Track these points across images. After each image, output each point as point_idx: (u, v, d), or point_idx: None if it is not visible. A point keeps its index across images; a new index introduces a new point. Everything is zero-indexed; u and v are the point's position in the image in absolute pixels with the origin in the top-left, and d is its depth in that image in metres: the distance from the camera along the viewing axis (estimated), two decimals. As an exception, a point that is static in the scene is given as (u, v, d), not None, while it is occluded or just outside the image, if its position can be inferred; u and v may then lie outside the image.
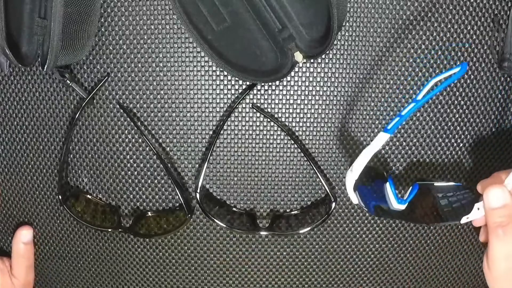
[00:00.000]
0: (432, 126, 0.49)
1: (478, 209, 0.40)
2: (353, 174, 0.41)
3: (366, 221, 0.52)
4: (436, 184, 0.43)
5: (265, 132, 0.49)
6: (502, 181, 0.38)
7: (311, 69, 0.47)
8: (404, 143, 0.49)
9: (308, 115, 0.48)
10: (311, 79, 0.47)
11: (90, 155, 0.50)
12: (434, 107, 0.48)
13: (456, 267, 0.55)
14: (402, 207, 0.40)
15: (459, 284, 0.56)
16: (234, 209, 0.51)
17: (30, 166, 0.50)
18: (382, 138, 0.38)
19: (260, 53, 0.43)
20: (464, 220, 0.40)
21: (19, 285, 0.50)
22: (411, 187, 0.41)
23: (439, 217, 0.41)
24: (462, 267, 0.55)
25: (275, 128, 0.48)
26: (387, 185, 0.40)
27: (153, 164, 0.50)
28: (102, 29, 0.45)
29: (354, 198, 0.42)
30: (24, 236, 0.51)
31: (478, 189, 0.41)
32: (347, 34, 0.46)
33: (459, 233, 0.53)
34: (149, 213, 0.51)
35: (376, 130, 0.48)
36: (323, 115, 0.48)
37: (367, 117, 0.48)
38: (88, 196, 0.51)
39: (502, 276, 0.37)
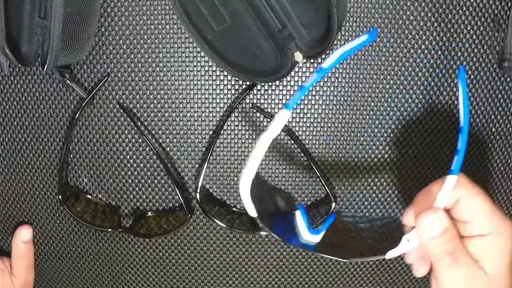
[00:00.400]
0: (432, 126, 0.49)
1: (408, 240, 0.34)
2: (248, 168, 0.32)
3: (366, 221, 0.52)
4: (356, 214, 0.38)
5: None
6: (431, 200, 0.33)
7: (311, 69, 0.47)
8: (404, 143, 0.49)
9: (308, 115, 0.48)
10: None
11: (90, 155, 0.50)
12: (434, 107, 0.48)
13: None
14: (316, 238, 0.34)
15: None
16: (234, 209, 0.51)
17: (30, 166, 0.50)
18: (283, 116, 0.32)
19: (260, 53, 0.43)
20: (390, 254, 0.34)
21: (19, 284, 0.50)
22: (326, 217, 0.36)
23: (359, 252, 0.36)
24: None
25: (275, 128, 0.48)
26: (298, 213, 0.35)
27: (153, 164, 0.50)
28: (102, 29, 0.45)
29: (250, 205, 0.33)
30: (23, 235, 0.51)
31: (405, 220, 0.36)
32: (347, 34, 0.46)
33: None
34: (149, 213, 0.51)
35: (376, 130, 0.48)
36: (323, 115, 0.48)
37: (367, 117, 0.48)
38: (88, 196, 0.51)
39: None
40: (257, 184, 0.33)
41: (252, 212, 0.33)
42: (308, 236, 0.34)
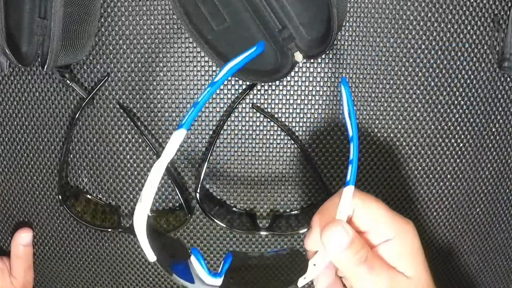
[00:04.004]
0: (432, 126, 0.49)
1: (314, 265, 0.34)
2: (143, 202, 0.30)
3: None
4: (252, 254, 0.37)
5: (265, 132, 0.49)
6: (330, 217, 0.32)
7: (311, 69, 0.47)
8: (404, 143, 0.49)
9: (308, 115, 0.48)
10: (311, 79, 0.47)
11: (90, 155, 0.50)
12: (434, 107, 0.48)
13: (456, 266, 0.55)
14: (218, 281, 0.33)
15: (458, 284, 0.56)
16: (234, 209, 0.51)
17: (30, 166, 0.50)
18: (178, 136, 0.31)
19: (260, 53, 0.43)
20: (301, 282, 0.34)
21: (19, 285, 0.50)
22: (223, 260, 0.35)
23: (271, 286, 0.35)
24: (462, 267, 0.55)
25: (275, 128, 0.48)
26: (192, 259, 0.33)
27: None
28: (102, 29, 0.45)
29: (147, 247, 0.32)
30: (23, 238, 0.51)
31: (307, 245, 0.35)
32: (347, 34, 0.46)
33: (459, 233, 0.53)
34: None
35: (376, 130, 0.48)
36: (323, 115, 0.48)
37: (367, 117, 0.48)
38: (88, 196, 0.51)
39: None
40: (150, 229, 0.31)
41: (151, 255, 0.31)
42: (210, 280, 0.33)
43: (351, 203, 0.33)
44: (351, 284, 0.33)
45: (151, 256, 0.32)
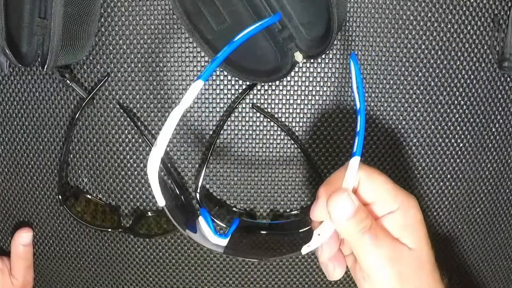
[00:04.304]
0: (432, 126, 0.49)
1: (319, 234, 0.34)
2: (158, 146, 0.32)
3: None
4: (258, 222, 0.37)
5: (265, 132, 0.49)
6: (336, 188, 0.33)
7: (311, 69, 0.47)
8: (404, 143, 0.49)
9: (308, 115, 0.48)
10: (311, 79, 0.47)
11: (90, 155, 0.50)
12: (434, 107, 0.48)
13: (456, 266, 0.55)
14: (223, 242, 0.35)
15: (459, 284, 0.56)
16: (234, 209, 0.51)
17: (30, 166, 0.50)
18: (195, 87, 0.33)
19: (260, 53, 0.43)
20: (305, 249, 0.35)
21: (19, 285, 0.50)
22: (230, 224, 0.36)
23: (274, 251, 0.36)
24: (462, 267, 0.55)
25: (275, 128, 0.48)
26: (200, 220, 0.35)
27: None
28: (102, 29, 0.45)
29: (158, 191, 0.33)
30: (23, 238, 0.51)
31: (312, 216, 0.36)
32: (347, 34, 0.46)
33: (459, 233, 0.53)
34: (149, 213, 0.51)
35: (376, 130, 0.48)
36: (323, 115, 0.48)
37: (367, 116, 0.48)
38: (88, 196, 0.51)
39: (392, 284, 0.33)
40: (162, 185, 0.32)
41: (160, 200, 0.33)
42: (215, 239, 0.34)
43: (357, 174, 0.33)
44: (355, 253, 0.34)
45: (161, 201, 0.33)
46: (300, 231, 0.36)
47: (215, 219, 0.48)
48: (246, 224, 0.37)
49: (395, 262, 0.33)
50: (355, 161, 0.33)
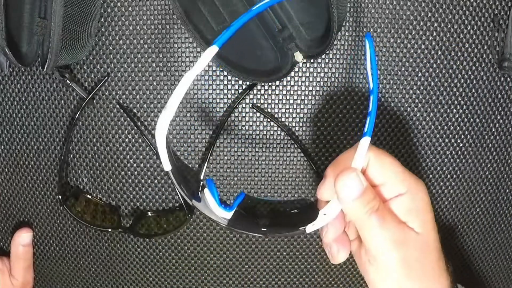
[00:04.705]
0: (432, 126, 0.49)
1: (325, 214, 0.34)
2: (167, 111, 0.31)
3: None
4: (269, 198, 0.36)
5: (265, 132, 0.49)
6: (345, 167, 0.32)
7: (311, 69, 0.47)
8: (404, 143, 0.49)
9: (308, 115, 0.48)
10: (311, 79, 0.47)
11: (90, 155, 0.50)
12: (434, 107, 0.48)
13: (456, 266, 0.55)
14: (228, 215, 0.34)
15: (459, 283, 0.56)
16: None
17: (30, 166, 0.50)
18: (209, 52, 0.33)
19: (260, 53, 0.43)
20: (310, 228, 0.34)
21: (18, 285, 0.50)
22: (237, 195, 0.35)
23: (278, 228, 0.35)
24: (462, 267, 0.55)
25: (275, 128, 0.48)
26: (206, 191, 0.34)
27: (153, 164, 0.50)
28: (102, 29, 0.45)
29: (164, 154, 0.32)
30: (23, 238, 0.51)
31: (318, 194, 0.36)
32: (347, 34, 0.46)
33: (459, 233, 0.53)
34: (149, 213, 0.51)
35: (376, 130, 0.48)
36: (323, 115, 0.48)
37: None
38: (88, 196, 0.51)
39: (398, 268, 0.32)
40: (169, 154, 0.32)
41: (166, 164, 0.32)
42: (220, 211, 0.34)
43: (366, 155, 0.32)
44: (361, 234, 0.33)
45: (167, 165, 0.32)
46: (305, 209, 0.36)
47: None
48: (251, 199, 0.36)
49: (402, 245, 0.32)
50: (365, 141, 0.32)
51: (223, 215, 0.34)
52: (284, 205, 0.37)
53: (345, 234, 0.37)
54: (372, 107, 0.33)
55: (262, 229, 0.35)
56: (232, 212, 0.34)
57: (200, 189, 0.35)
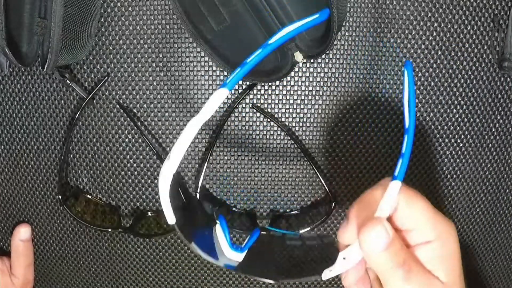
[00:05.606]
0: (432, 126, 0.49)
1: (344, 258, 0.31)
2: (171, 162, 0.28)
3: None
4: (286, 232, 0.32)
5: (265, 132, 0.49)
6: (370, 209, 0.30)
7: (311, 69, 0.47)
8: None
9: (308, 115, 0.48)
10: (311, 79, 0.47)
11: (90, 155, 0.50)
12: (434, 107, 0.48)
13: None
14: (239, 257, 0.30)
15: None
16: (234, 209, 0.51)
17: (30, 166, 0.50)
18: (220, 95, 0.29)
19: (260, 53, 0.43)
20: (326, 275, 0.31)
21: (19, 284, 0.50)
22: (250, 234, 0.32)
23: (291, 272, 0.32)
24: (462, 267, 0.55)
25: (275, 128, 0.48)
26: (217, 228, 0.31)
27: (153, 164, 0.50)
28: (102, 29, 0.45)
29: (168, 208, 0.29)
30: (22, 234, 0.51)
31: (341, 239, 0.32)
32: (347, 34, 0.46)
33: (459, 233, 0.53)
34: (149, 213, 0.51)
35: (375, 130, 0.48)
36: (323, 115, 0.48)
37: (367, 116, 0.48)
38: (88, 196, 0.51)
39: None
40: (175, 186, 0.28)
41: (170, 217, 0.29)
42: (230, 253, 0.30)
43: (396, 200, 0.30)
44: (384, 285, 0.31)
45: (171, 219, 0.29)
46: (322, 247, 0.33)
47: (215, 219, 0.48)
48: (265, 236, 0.32)
49: None
50: (395, 186, 0.29)
51: (233, 257, 0.30)
52: (301, 242, 0.34)
53: (366, 274, 0.34)
54: (406, 148, 0.30)
55: (273, 274, 0.32)
56: (244, 253, 0.31)
57: (208, 227, 0.32)
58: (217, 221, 0.30)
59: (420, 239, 0.31)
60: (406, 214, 0.31)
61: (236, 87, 0.47)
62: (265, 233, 0.30)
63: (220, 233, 0.31)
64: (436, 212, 0.32)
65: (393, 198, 0.29)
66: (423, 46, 0.46)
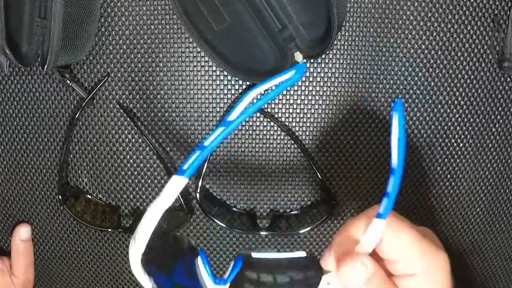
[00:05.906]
0: (432, 126, 0.49)
1: (328, 283, 0.30)
2: (137, 244, 0.28)
3: (366, 221, 0.52)
4: (268, 256, 0.32)
5: (265, 132, 0.49)
6: (352, 241, 0.29)
7: (311, 69, 0.47)
8: (404, 143, 0.49)
9: (308, 115, 0.48)
10: (311, 79, 0.47)
11: (90, 155, 0.50)
12: (434, 107, 0.48)
13: (456, 266, 0.55)
14: None
15: (458, 284, 0.56)
16: (234, 209, 0.51)
17: (30, 166, 0.50)
18: (177, 184, 0.27)
19: (260, 53, 0.43)
20: None
21: (19, 283, 0.50)
22: (232, 262, 0.31)
23: None
24: (462, 267, 0.55)
25: (275, 128, 0.48)
26: (198, 260, 0.30)
27: (153, 164, 0.50)
28: (102, 29, 0.45)
29: (145, 281, 0.30)
30: (22, 233, 0.51)
31: (324, 265, 0.31)
32: (347, 34, 0.46)
33: (459, 233, 0.53)
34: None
35: (375, 130, 0.48)
36: (323, 115, 0.48)
37: (367, 116, 0.48)
38: (88, 196, 0.51)
39: None
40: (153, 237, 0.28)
41: (147, 285, 0.29)
42: (213, 287, 0.30)
43: (379, 237, 0.29)
44: None
45: (147, 286, 0.30)
46: (308, 273, 0.32)
47: (215, 220, 0.48)
48: (249, 262, 0.31)
49: None
50: (378, 224, 0.28)
51: None
52: (285, 267, 0.33)
53: None
54: (392, 189, 0.29)
55: None
56: (227, 285, 0.30)
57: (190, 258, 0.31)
58: (199, 255, 0.30)
59: (406, 271, 0.30)
60: (392, 246, 0.30)
61: (236, 87, 0.47)
62: (248, 260, 0.30)
63: (201, 266, 0.30)
64: (426, 243, 0.30)
65: (376, 235, 0.28)
66: (423, 46, 0.46)
